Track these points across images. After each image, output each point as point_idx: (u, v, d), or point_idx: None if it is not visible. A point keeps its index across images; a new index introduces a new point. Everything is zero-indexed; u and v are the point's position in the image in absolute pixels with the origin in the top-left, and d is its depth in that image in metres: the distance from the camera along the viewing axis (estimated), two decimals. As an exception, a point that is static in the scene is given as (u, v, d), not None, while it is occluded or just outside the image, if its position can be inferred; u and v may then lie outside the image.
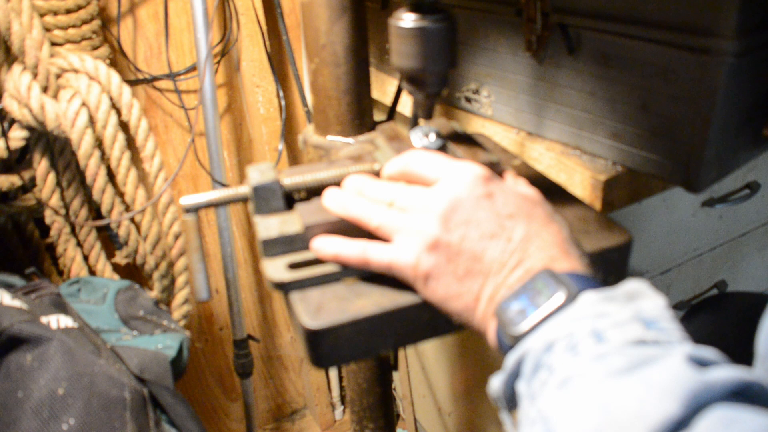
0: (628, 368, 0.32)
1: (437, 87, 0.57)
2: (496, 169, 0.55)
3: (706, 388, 0.30)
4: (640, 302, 0.38)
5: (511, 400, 0.40)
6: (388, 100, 1.11)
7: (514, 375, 0.39)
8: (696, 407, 0.29)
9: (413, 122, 0.68)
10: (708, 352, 0.33)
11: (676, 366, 0.31)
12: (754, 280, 1.19)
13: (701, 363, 0.32)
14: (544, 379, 0.36)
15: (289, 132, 1.44)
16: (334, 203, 0.51)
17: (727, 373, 0.31)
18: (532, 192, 0.50)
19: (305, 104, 1.33)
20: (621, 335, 0.35)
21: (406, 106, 1.00)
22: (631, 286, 0.40)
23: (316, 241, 0.50)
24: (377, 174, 0.56)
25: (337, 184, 0.55)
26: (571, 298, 0.39)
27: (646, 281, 0.40)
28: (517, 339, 0.39)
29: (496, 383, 0.40)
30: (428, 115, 0.59)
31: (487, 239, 0.44)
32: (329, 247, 0.49)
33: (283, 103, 1.34)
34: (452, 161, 0.50)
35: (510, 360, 0.39)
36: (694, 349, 0.33)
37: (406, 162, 0.51)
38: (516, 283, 0.42)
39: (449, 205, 0.45)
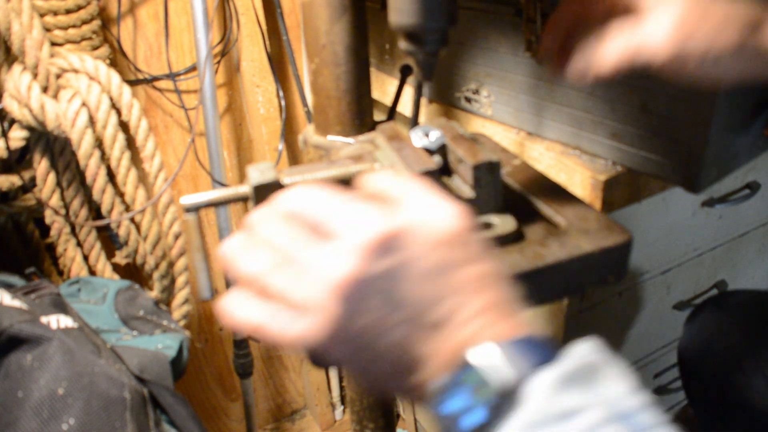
0: None
1: (437, 44, 0.55)
2: (496, 169, 0.55)
3: None
4: (605, 385, 0.32)
5: None
6: (388, 100, 1.11)
7: None
8: None
9: (413, 122, 0.68)
10: None
11: None
12: (754, 280, 1.19)
13: None
14: None
15: (289, 132, 1.44)
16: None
17: None
18: (451, 225, 0.37)
19: (305, 104, 1.33)
20: None
21: (406, 106, 1.00)
22: (583, 355, 0.33)
23: (224, 301, 0.39)
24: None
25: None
26: (520, 381, 0.32)
27: (595, 341, 0.34)
28: None
29: None
30: (428, 76, 0.57)
31: (390, 329, 0.35)
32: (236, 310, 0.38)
33: (283, 103, 1.34)
34: (355, 208, 0.37)
35: None
36: None
37: (300, 201, 0.39)
38: (444, 374, 0.34)
39: (339, 285, 0.35)
